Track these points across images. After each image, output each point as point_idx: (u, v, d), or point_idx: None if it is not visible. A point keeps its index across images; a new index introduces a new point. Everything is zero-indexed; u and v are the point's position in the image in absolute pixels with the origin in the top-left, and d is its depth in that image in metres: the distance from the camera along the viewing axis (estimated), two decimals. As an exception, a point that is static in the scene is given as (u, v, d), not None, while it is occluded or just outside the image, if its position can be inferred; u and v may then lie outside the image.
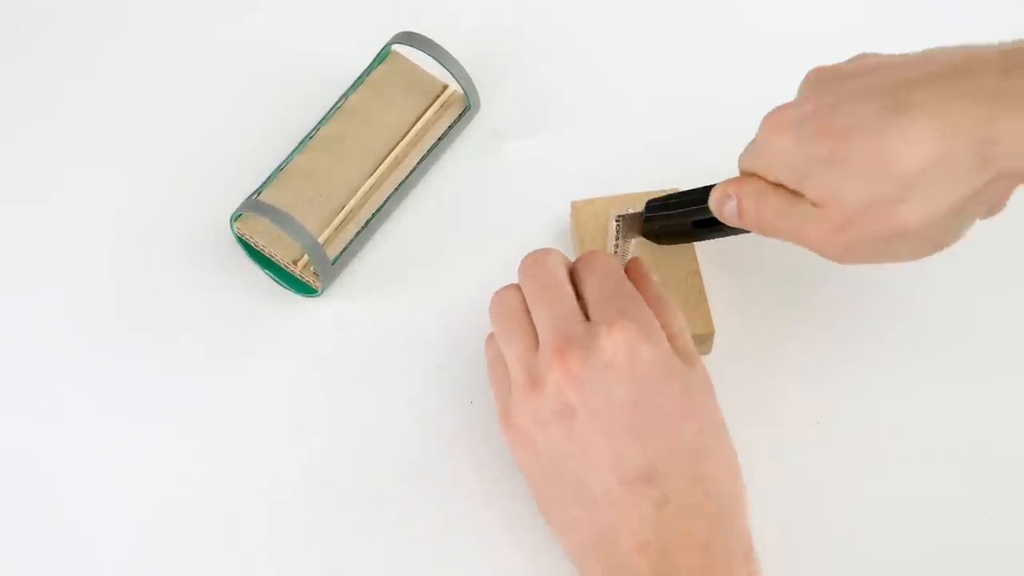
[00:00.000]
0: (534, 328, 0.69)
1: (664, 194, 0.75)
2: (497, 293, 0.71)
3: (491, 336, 0.72)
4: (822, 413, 0.77)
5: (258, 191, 0.80)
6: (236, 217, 0.79)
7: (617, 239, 0.75)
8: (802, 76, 0.70)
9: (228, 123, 0.86)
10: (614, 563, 0.66)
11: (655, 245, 0.77)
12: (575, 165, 0.84)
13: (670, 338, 0.69)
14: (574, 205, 0.80)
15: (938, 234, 0.67)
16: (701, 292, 0.77)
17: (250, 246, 0.80)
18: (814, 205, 0.67)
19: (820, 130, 0.66)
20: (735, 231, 0.73)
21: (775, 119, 0.68)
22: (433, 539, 0.73)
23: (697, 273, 0.78)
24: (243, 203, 0.79)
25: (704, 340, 0.77)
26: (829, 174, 0.66)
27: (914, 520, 0.74)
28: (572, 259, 0.72)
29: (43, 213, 0.83)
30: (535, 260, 0.71)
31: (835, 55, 0.70)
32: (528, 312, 0.70)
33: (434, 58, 0.82)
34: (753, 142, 0.69)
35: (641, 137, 0.84)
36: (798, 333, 0.78)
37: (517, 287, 0.71)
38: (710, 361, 0.76)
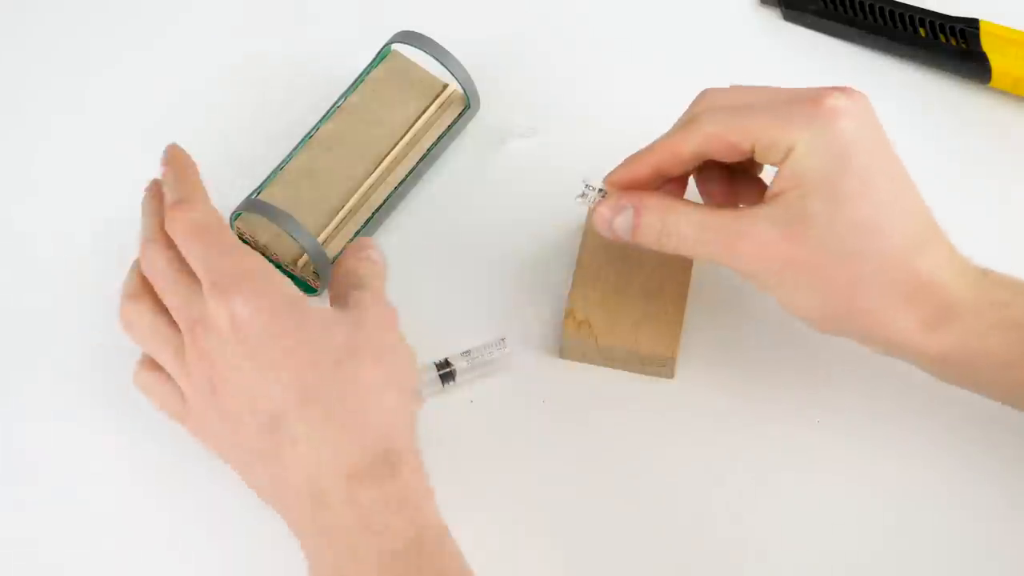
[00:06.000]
0: (173, 325, 0.71)
1: None
2: (121, 314, 0.73)
3: (144, 358, 0.73)
4: (823, 413, 0.77)
5: (258, 190, 0.80)
6: (236, 216, 0.79)
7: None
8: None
9: (228, 122, 0.86)
10: (293, 516, 0.68)
11: (651, 259, 0.77)
12: (575, 165, 0.84)
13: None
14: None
15: None
16: (678, 315, 0.77)
17: (251, 245, 0.80)
18: None
19: None
20: None
21: None
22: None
23: (683, 297, 0.77)
24: (243, 202, 0.78)
25: (664, 362, 0.77)
26: None
27: (914, 520, 0.75)
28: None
29: (44, 211, 0.83)
30: (146, 254, 0.72)
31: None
32: (161, 315, 0.71)
33: (434, 57, 0.82)
34: None
35: (643, 137, 0.84)
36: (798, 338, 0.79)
37: (134, 299, 0.72)
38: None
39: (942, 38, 0.86)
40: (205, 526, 0.74)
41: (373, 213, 0.81)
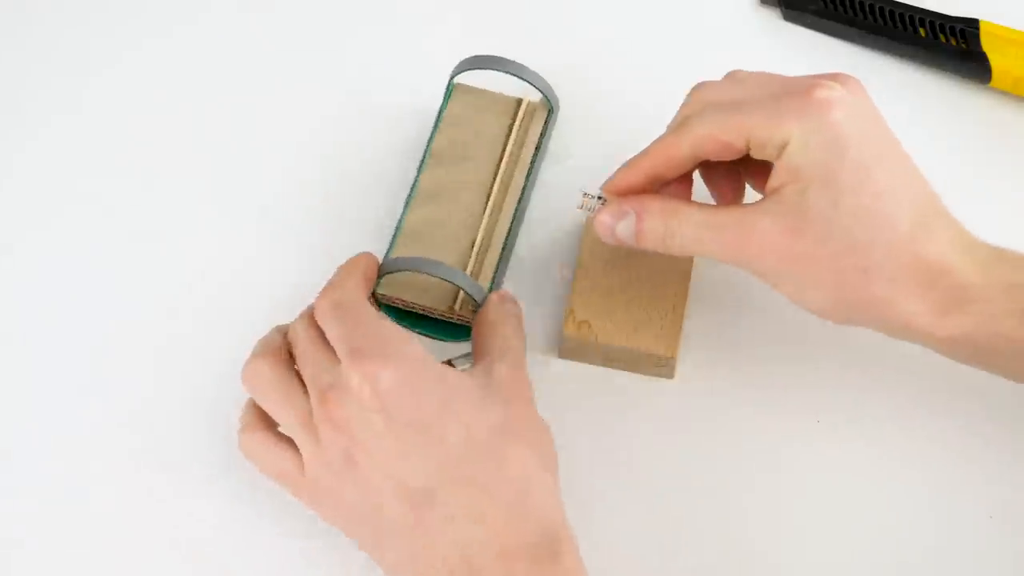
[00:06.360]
0: (303, 390, 0.69)
1: None
2: (247, 368, 0.71)
3: (250, 421, 0.71)
4: (823, 412, 0.77)
5: (386, 255, 0.78)
6: (378, 283, 0.76)
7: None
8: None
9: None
10: None
11: (651, 258, 0.77)
12: (575, 165, 0.84)
13: None
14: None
15: None
16: (678, 315, 0.77)
17: (396, 309, 0.78)
18: None
19: None
20: None
21: None
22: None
23: (683, 297, 0.77)
24: (384, 263, 0.76)
25: (664, 362, 0.77)
26: None
27: (916, 518, 0.75)
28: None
29: (43, 211, 0.83)
30: (291, 327, 0.71)
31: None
32: (290, 378, 0.70)
33: (507, 72, 0.81)
34: None
35: (642, 137, 0.84)
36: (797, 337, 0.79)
37: (264, 356, 0.70)
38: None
39: (942, 38, 0.86)
40: (206, 525, 0.75)
41: (504, 244, 0.79)
